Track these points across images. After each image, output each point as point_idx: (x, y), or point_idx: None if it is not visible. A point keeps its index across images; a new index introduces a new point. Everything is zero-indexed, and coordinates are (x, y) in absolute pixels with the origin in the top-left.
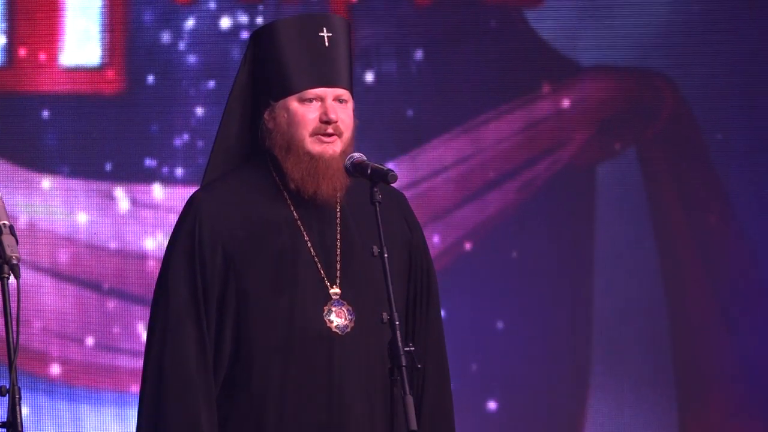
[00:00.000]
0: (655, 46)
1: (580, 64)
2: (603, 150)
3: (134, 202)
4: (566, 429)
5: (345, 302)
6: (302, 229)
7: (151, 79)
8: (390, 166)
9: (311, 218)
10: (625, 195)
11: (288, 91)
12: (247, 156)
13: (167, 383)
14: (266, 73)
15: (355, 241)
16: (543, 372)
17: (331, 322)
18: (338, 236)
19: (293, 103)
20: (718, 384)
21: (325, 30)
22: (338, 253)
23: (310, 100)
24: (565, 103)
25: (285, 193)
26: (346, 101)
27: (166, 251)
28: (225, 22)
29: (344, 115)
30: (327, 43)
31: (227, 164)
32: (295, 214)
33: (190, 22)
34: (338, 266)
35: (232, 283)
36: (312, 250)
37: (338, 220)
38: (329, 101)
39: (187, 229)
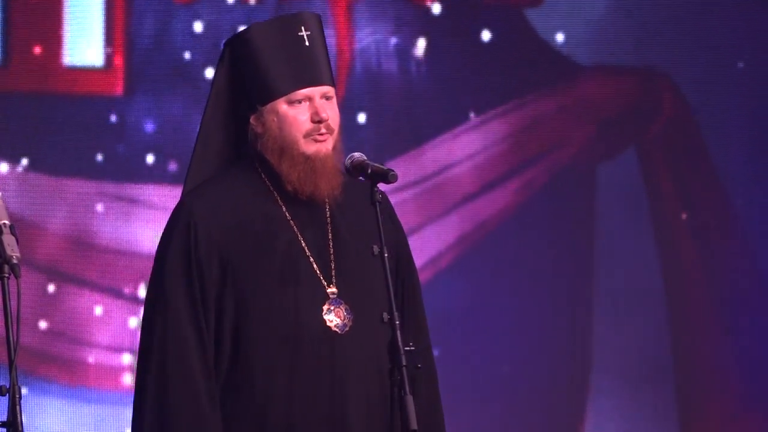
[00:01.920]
0: (655, 46)
1: (580, 64)
2: (603, 150)
3: (133, 201)
4: (566, 429)
5: (342, 301)
6: (296, 228)
7: (151, 79)
8: (390, 165)
9: (303, 217)
10: (625, 195)
11: (276, 95)
12: (231, 160)
13: (172, 389)
14: (250, 78)
15: (346, 239)
16: (543, 372)
17: (331, 321)
18: (330, 235)
19: (282, 106)
20: (718, 384)
21: (303, 29)
22: (331, 252)
23: (299, 101)
24: (565, 103)
25: (275, 194)
26: (331, 97)
27: (158, 255)
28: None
29: (332, 112)
30: (308, 42)
31: (210, 169)
32: (287, 214)
33: (190, 22)
34: (332, 265)
35: (229, 286)
36: (307, 250)
37: (328, 219)
38: (318, 100)
39: (181, 233)
